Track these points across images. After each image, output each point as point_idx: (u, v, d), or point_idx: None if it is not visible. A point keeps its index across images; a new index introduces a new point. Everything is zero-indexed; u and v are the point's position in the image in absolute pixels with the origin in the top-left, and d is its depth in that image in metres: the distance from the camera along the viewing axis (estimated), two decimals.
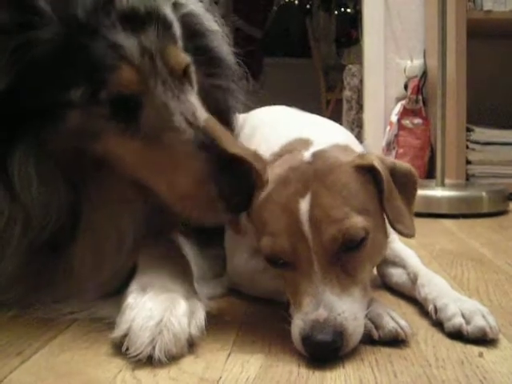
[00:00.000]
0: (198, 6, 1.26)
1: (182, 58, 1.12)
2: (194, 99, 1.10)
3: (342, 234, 0.93)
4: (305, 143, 1.10)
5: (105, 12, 1.03)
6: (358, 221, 0.94)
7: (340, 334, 0.89)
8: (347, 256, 0.95)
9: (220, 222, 1.12)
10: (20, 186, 1.05)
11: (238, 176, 1.02)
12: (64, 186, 1.08)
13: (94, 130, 1.05)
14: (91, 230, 1.13)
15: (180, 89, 1.08)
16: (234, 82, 1.33)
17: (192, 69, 1.15)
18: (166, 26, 1.10)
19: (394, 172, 1.02)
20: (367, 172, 1.00)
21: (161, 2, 1.11)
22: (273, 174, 1.03)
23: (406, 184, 1.04)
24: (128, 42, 1.03)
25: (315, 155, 1.03)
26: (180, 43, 1.13)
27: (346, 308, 0.92)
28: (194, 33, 1.22)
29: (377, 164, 0.99)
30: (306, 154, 1.03)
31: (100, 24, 1.02)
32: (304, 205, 0.95)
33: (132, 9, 1.06)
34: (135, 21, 1.05)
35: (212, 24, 1.29)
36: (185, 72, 1.12)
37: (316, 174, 0.98)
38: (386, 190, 0.99)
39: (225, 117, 1.27)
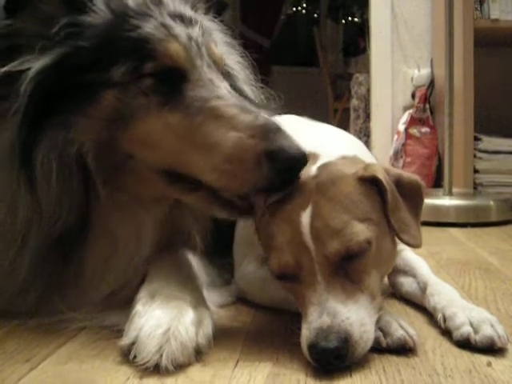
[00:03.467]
0: (222, 45, 1.29)
1: (223, 59, 1.18)
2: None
3: (343, 244, 0.93)
4: (313, 157, 1.10)
5: (155, 6, 1.11)
6: (359, 229, 0.94)
7: (345, 340, 0.89)
8: (351, 264, 0.95)
9: (259, 191, 1.02)
10: (40, 180, 1.06)
11: (288, 141, 0.99)
12: (79, 183, 1.08)
13: (131, 110, 1.05)
14: (104, 233, 1.13)
15: (221, 77, 1.12)
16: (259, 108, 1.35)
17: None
18: (208, 31, 1.17)
19: (400, 183, 1.03)
20: (371, 183, 1.00)
21: (200, 16, 1.20)
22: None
23: (412, 194, 1.04)
24: (177, 27, 1.09)
25: (320, 169, 1.03)
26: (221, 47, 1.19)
27: (351, 314, 0.92)
28: None
29: (380, 175, 0.99)
30: (312, 169, 1.04)
31: (151, 11, 1.09)
32: (305, 217, 0.96)
33: (180, 11, 1.13)
34: (182, 19, 1.12)
35: (233, 61, 1.33)
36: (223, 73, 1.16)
37: (318, 186, 0.99)
38: (390, 201, 0.99)
39: None
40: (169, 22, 1.09)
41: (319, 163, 1.06)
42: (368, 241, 0.95)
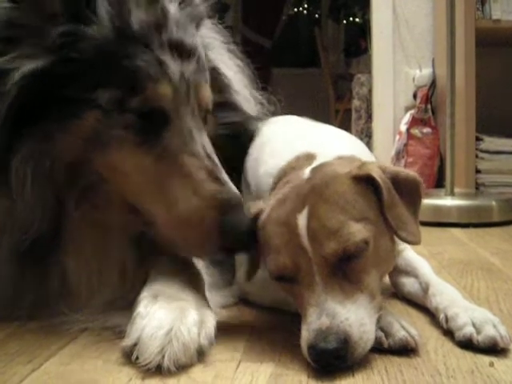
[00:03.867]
0: (221, 59, 1.30)
1: (210, 99, 1.17)
2: (209, 141, 1.13)
3: (340, 244, 0.93)
4: (309, 157, 1.11)
5: (156, 32, 1.08)
6: (356, 229, 0.94)
7: (344, 341, 0.89)
8: (349, 264, 0.95)
9: (211, 257, 1.14)
10: (15, 185, 1.06)
11: (242, 220, 1.05)
12: (52, 196, 1.09)
13: (107, 138, 1.05)
14: (80, 247, 1.14)
15: (202, 125, 1.13)
16: (253, 125, 1.36)
17: (210, 118, 1.21)
18: (203, 66, 1.16)
19: (396, 180, 1.02)
20: (366, 182, 1.00)
21: (200, 46, 1.17)
22: (275, 194, 1.05)
23: (409, 191, 1.04)
24: (172, 64, 1.07)
25: (314, 170, 1.04)
26: (209, 87, 1.18)
27: (350, 315, 0.91)
28: (213, 88, 1.25)
29: (374, 173, 0.99)
30: (306, 171, 1.04)
31: (151, 40, 1.06)
32: (302, 219, 0.96)
33: (180, 40, 1.11)
34: (181, 50, 1.10)
35: (232, 76, 1.35)
36: (205, 116, 1.16)
37: (313, 188, 0.99)
38: (386, 199, 0.99)
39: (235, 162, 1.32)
40: (165, 55, 1.07)
41: (314, 164, 1.06)
42: (365, 240, 0.95)
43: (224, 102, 1.31)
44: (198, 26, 1.22)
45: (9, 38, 1.05)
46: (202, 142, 1.10)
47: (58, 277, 1.14)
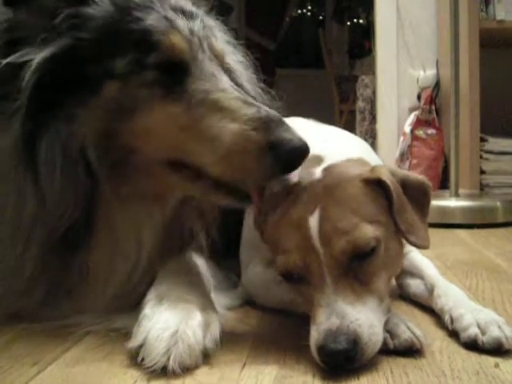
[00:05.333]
0: (223, 44, 1.30)
1: (225, 52, 1.18)
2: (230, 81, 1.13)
3: (351, 245, 0.93)
4: (317, 160, 1.11)
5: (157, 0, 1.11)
6: (367, 230, 0.95)
7: (354, 341, 0.89)
8: (359, 265, 0.95)
9: (265, 182, 1.03)
10: (44, 175, 1.06)
11: (290, 133, 1.00)
12: (83, 177, 1.07)
13: (133, 102, 1.05)
14: (108, 230, 1.13)
15: (221, 70, 1.13)
16: None
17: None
18: (209, 25, 1.18)
19: (406, 184, 1.03)
20: (376, 185, 1.00)
21: (202, 13, 1.21)
22: (286, 193, 1.04)
23: (419, 195, 1.04)
24: (179, 20, 1.10)
25: (325, 171, 1.04)
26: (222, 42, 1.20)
27: (360, 316, 0.91)
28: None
29: (385, 177, 0.99)
30: (317, 171, 1.04)
31: (153, 3, 1.09)
32: (313, 220, 0.96)
33: (182, 6, 1.14)
34: (184, 12, 1.12)
35: (235, 60, 1.33)
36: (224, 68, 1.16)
37: (324, 189, 0.99)
38: (396, 203, 0.99)
39: None
40: (171, 15, 1.10)
41: (324, 165, 1.06)
42: (376, 241, 0.95)
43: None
44: (194, 4, 1.23)
45: (16, 39, 1.07)
46: (227, 79, 1.10)
47: (79, 270, 1.14)
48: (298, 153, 0.99)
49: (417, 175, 1.08)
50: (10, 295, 1.15)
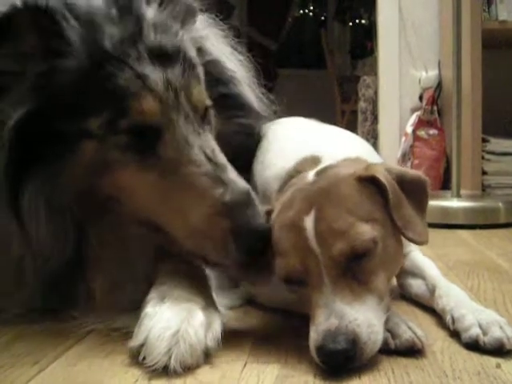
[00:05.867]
0: (222, 51, 1.29)
1: (205, 97, 1.14)
2: (212, 139, 1.12)
3: (348, 245, 0.93)
4: (315, 160, 1.12)
5: (132, 44, 1.05)
6: (364, 229, 0.94)
7: (352, 341, 0.89)
8: (357, 265, 0.95)
9: (229, 264, 1.08)
10: (28, 221, 1.07)
11: (253, 217, 1.03)
12: (71, 225, 1.10)
13: (109, 162, 1.06)
14: (100, 266, 1.15)
15: (201, 126, 1.10)
16: (255, 118, 1.35)
17: (212, 112, 1.18)
18: (191, 65, 1.12)
19: (402, 180, 1.02)
20: (371, 183, 1.00)
21: (187, 44, 1.14)
22: (281, 197, 1.05)
23: (416, 191, 1.04)
24: (153, 74, 1.05)
25: (319, 173, 1.04)
26: (203, 84, 1.15)
27: (359, 315, 0.91)
28: (216, 80, 1.25)
29: (379, 175, 0.99)
30: (311, 174, 1.04)
31: (127, 55, 1.04)
32: (309, 221, 0.96)
33: (159, 45, 1.08)
34: (162, 56, 1.07)
35: (235, 69, 1.33)
36: (205, 114, 1.14)
37: (319, 190, 0.99)
38: (392, 200, 0.99)
39: (246, 159, 1.32)
40: (145, 68, 1.04)
41: (320, 167, 1.06)
42: (373, 240, 0.95)
43: (230, 94, 1.29)
44: (184, 22, 1.18)
45: None
46: (202, 144, 1.07)
47: (85, 295, 1.16)
48: (259, 240, 1.02)
49: (414, 171, 1.08)
50: (11, 314, 1.17)
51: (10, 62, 1.05)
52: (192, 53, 1.15)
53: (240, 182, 1.07)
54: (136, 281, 1.16)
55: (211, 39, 1.30)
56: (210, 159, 1.07)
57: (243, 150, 1.33)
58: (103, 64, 1.03)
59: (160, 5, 1.14)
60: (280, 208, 1.03)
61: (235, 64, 1.37)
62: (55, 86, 1.04)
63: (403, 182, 1.02)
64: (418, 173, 1.07)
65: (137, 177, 1.06)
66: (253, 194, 1.07)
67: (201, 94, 1.13)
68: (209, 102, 1.16)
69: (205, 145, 1.08)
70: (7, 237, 1.09)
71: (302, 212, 0.97)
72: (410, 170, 1.08)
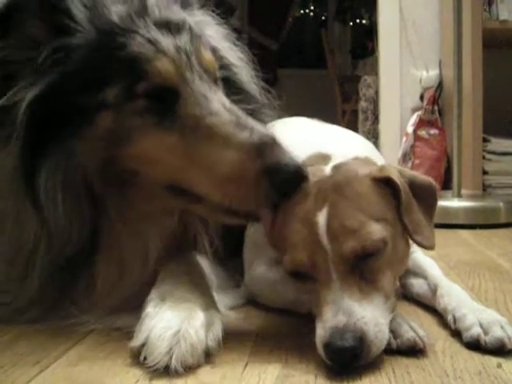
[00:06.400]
0: (221, 39, 1.29)
1: (214, 61, 1.16)
2: (226, 97, 1.12)
3: (358, 243, 0.94)
4: (324, 158, 1.11)
5: (139, 18, 1.08)
6: (375, 229, 0.95)
7: (360, 339, 0.89)
8: (366, 263, 0.95)
9: (262, 210, 1.04)
10: (45, 204, 1.06)
11: (284, 155, 1.00)
12: (87, 204, 1.09)
13: (127, 131, 1.05)
14: (113, 250, 1.13)
15: (215, 86, 1.11)
16: (256, 104, 1.35)
17: (221, 83, 1.18)
18: (197, 34, 1.14)
19: (413, 184, 1.03)
20: (385, 184, 1.00)
21: (188, 19, 1.16)
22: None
23: (425, 196, 1.05)
24: (164, 40, 1.07)
25: (335, 169, 1.04)
26: (210, 51, 1.16)
27: (366, 313, 0.92)
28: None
29: (395, 176, 1.00)
30: (326, 168, 1.04)
31: (136, 25, 1.07)
32: (321, 217, 0.96)
33: (165, 18, 1.11)
34: (169, 27, 1.10)
35: (234, 57, 1.33)
36: (215, 79, 1.14)
37: (333, 186, 0.99)
38: (404, 202, 1.00)
39: None
40: (155, 35, 1.07)
41: (333, 163, 1.06)
42: (384, 240, 0.95)
43: (231, 79, 1.28)
44: (184, 5, 1.21)
45: (6, 75, 1.06)
46: (219, 99, 1.08)
47: (86, 284, 1.14)
48: (294, 178, 1.00)
49: (423, 176, 1.09)
50: (12, 308, 1.16)
51: (19, 51, 1.06)
52: (195, 27, 1.16)
53: (262, 128, 1.06)
54: (145, 272, 1.16)
55: (210, 25, 1.30)
56: (229, 110, 1.07)
57: None
58: (113, 36, 1.05)
59: None
60: (294, 200, 1.01)
61: (234, 56, 1.37)
62: (67, 63, 1.05)
63: (414, 187, 1.03)
64: (428, 178, 1.08)
65: (158, 140, 1.05)
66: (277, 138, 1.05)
67: (210, 57, 1.15)
68: (217, 65, 1.17)
69: (222, 100, 1.09)
70: (22, 219, 1.09)
71: (315, 207, 0.98)
72: (420, 175, 1.09)
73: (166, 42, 1.07)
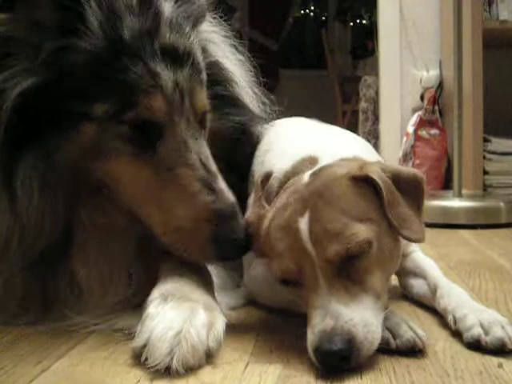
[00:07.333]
0: (223, 52, 1.30)
1: (206, 103, 1.17)
2: (206, 146, 1.14)
3: (342, 246, 0.93)
4: (312, 161, 1.13)
5: (149, 39, 1.07)
6: (358, 229, 0.94)
7: (349, 341, 0.89)
8: (353, 265, 0.95)
9: (204, 263, 1.16)
10: (21, 197, 1.07)
11: (235, 229, 1.08)
12: (61, 201, 1.10)
13: (106, 149, 1.07)
14: (88, 248, 1.15)
15: (198, 131, 1.13)
16: (248, 116, 1.36)
17: (209, 116, 1.20)
18: (198, 70, 1.14)
19: (398, 178, 1.02)
20: (365, 182, 1.00)
21: (196, 47, 1.16)
22: (277, 199, 1.06)
23: (411, 189, 1.03)
24: (165, 74, 1.07)
25: (314, 174, 1.04)
26: (205, 90, 1.17)
27: (355, 315, 0.91)
28: (215, 81, 1.27)
29: (373, 173, 0.99)
30: (305, 176, 1.05)
31: (142, 50, 1.06)
32: (303, 223, 0.96)
33: (173, 45, 1.10)
34: (174, 56, 1.09)
35: (234, 70, 1.34)
36: (202, 118, 1.16)
37: (313, 191, 0.99)
38: (386, 198, 0.98)
39: (242, 161, 1.36)
40: (157, 66, 1.06)
41: (316, 167, 1.06)
42: (368, 240, 0.95)
43: (227, 95, 1.31)
44: (195, 23, 1.20)
45: (3, 53, 1.06)
46: (198, 150, 1.10)
47: (67, 282, 1.16)
48: (237, 252, 1.11)
49: (409, 169, 1.08)
50: (5, 314, 1.17)
51: (23, 28, 1.05)
52: (200, 57, 1.17)
53: (228, 194, 1.11)
54: (118, 272, 1.17)
55: (214, 40, 1.31)
56: (204, 165, 1.10)
57: (236, 145, 1.35)
58: (119, 55, 1.05)
59: (176, 1, 1.15)
60: (276, 209, 1.03)
61: (235, 64, 1.37)
62: (67, 64, 1.04)
63: (399, 181, 1.02)
64: (414, 170, 1.07)
65: (131, 169, 1.08)
66: (238, 207, 1.11)
67: (203, 99, 1.16)
68: (208, 107, 1.18)
69: (201, 151, 1.11)
70: None
71: (296, 213, 0.98)
72: (405, 168, 1.08)
73: (166, 76, 1.06)
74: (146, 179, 1.08)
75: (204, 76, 1.17)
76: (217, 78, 1.28)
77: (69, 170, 1.09)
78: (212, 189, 1.08)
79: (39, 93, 1.04)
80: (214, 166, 1.12)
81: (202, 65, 1.17)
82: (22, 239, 1.10)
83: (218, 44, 1.34)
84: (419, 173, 1.06)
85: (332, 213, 0.96)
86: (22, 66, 1.05)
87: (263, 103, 1.50)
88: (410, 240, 1.05)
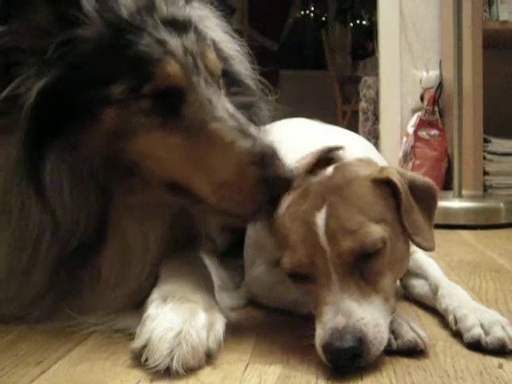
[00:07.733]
0: (219, 32, 1.29)
1: (218, 64, 1.17)
2: (229, 102, 1.13)
3: (357, 244, 0.94)
4: (325, 159, 1.11)
5: (147, 14, 1.09)
6: (374, 229, 0.95)
7: (359, 340, 0.89)
8: (366, 264, 0.95)
9: (257, 215, 1.08)
10: (51, 193, 1.06)
11: (282, 167, 1.04)
12: (94, 193, 1.09)
13: (132, 127, 1.06)
14: (118, 237, 1.14)
15: (219, 90, 1.12)
16: (254, 97, 1.35)
17: (222, 82, 1.19)
18: (201, 34, 1.15)
19: (413, 186, 1.03)
20: (385, 185, 1.00)
21: (193, 16, 1.17)
22: (296, 189, 1.05)
23: (425, 198, 1.04)
24: (172, 40, 1.08)
25: (336, 169, 1.04)
26: (214, 52, 1.17)
27: (366, 314, 0.92)
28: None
29: (394, 178, 1.00)
30: (328, 170, 1.04)
31: (145, 22, 1.07)
32: (320, 217, 0.96)
33: (172, 15, 1.12)
34: (176, 24, 1.10)
35: (232, 49, 1.33)
36: (219, 81, 1.16)
37: (333, 187, 0.99)
38: (404, 204, 0.99)
39: None
40: (163, 34, 1.07)
41: (334, 164, 1.06)
42: (382, 240, 0.95)
43: (226, 70, 1.29)
44: (187, 0, 1.21)
45: (9, 64, 1.06)
46: (223, 105, 1.10)
47: (92, 267, 1.14)
48: (285, 187, 1.04)
49: (424, 178, 1.08)
50: (16, 303, 1.16)
51: (24, 38, 1.06)
52: (200, 25, 1.17)
53: (264, 137, 1.09)
54: (145, 262, 1.16)
55: (208, 18, 1.31)
56: (233, 116, 1.08)
57: None
58: (122, 32, 1.06)
59: None
60: (293, 199, 1.03)
61: (232, 48, 1.37)
62: (75, 55, 1.05)
63: (414, 188, 1.03)
64: (429, 180, 1.07)
65: (161, 140, 1.06)
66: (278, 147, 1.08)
67: (215, 61, 1.16)
68: (221, 69, 1.18)
69: (226, 106, 1.10)
70: (26, 211, 1.09)
71: (314, 206, 0.98)
72: (420, 177, 1.08)
73: (174, 42, 1.08)
74: (179, 145, 1.06)
75: (209, 41, 1.18)
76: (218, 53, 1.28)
77: (98, 158, 1.08)
78: (248, 134, 1.06)
79: (54, 90, 1.04)
80: (242, 117, 1.10)
81: (205, 31, 1.18)
82: (56, 237, 1.09)
83: (211, 21, 1.33)
84: (433, 183, 1.07)
85: (350, 211, 0.96)
86: (32, 71, 1.05)
87: (264, 91, 1.49)
88: (422, 248, 1.06)
